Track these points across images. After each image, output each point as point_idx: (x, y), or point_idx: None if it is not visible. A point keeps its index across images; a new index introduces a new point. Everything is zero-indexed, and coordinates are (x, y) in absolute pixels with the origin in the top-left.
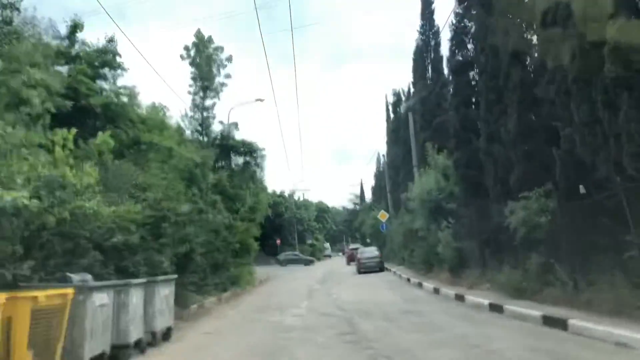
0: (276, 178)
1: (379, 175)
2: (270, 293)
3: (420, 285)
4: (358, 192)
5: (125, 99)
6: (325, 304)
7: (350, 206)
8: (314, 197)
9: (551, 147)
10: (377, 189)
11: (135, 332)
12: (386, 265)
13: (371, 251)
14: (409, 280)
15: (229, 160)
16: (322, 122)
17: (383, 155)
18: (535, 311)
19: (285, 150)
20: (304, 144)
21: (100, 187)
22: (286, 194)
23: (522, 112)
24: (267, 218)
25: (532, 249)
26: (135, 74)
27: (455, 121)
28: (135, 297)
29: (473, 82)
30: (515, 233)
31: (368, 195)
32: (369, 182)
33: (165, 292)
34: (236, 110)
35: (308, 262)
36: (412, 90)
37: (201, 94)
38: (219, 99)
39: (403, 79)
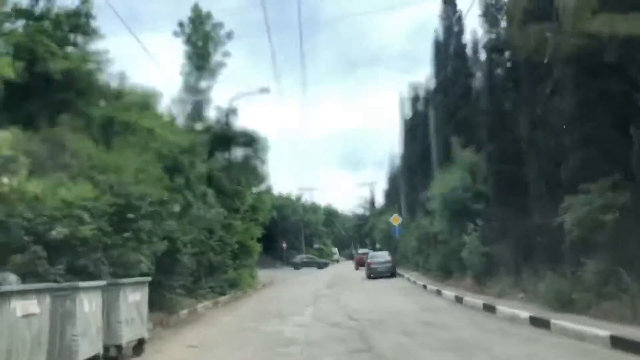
0: (283, 180)
1: (392, 179)
2: (272, 298)
3: (439, 292)
4: (368, 197)
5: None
6: (333, 312)
7: (360, 211)
8: (322, 200)
9: (619, 130)
10: (391, 193)
11: (87, 348)
12: (398, 271)
13: (382, 255)
14: (425, 287)
15: (227, 151)
16: (331, 127)
17: (400, 155)
18: (598, 329)
19: (291, 149)
20: (311, 149)
21: (31, 160)
22: (293, 197)
23: (580, 88)
24: (273, 220)
25: (586, 254)
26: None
27: (488, 108)
28: (88, 304)
29: (508, 64)
30: (563, 235)
31: (379, 200)
32: (380, 187)
33: (134, 297)
34: (239, 106)
35: (323, 265)
36: (431, 83)
37: (195, 74)
38: (215, 81)
39: (418, 80)
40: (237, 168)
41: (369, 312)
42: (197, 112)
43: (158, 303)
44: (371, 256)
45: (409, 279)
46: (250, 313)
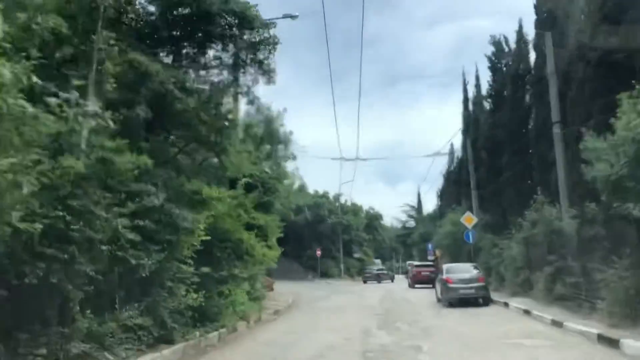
0: (320, 178)
1: (451, 175)
2: (274, 350)
3: None
4: (409, 204)
5: None
6: None
7: (402, 218)
8: (362, 201)
9: None
10: (451, 189)
11: None
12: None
13: (467, 270)
14: (608, 340)
15: (195, 45)
16: (371, 140)
17: (463, 145)
18: None
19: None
20: (350, 161)
21: None
22: (330, 196)
23: None
24: (306, 222)
25: None
26: None
27: None
28: None
29: None
30: None
31: (426, 208)
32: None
33: None
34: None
35: (392, 278)
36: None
37: None
38: None
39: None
40: (214, 85)
41: None
42: None
43: None
44: (448, 270)
45: (524, 311)
46: None
